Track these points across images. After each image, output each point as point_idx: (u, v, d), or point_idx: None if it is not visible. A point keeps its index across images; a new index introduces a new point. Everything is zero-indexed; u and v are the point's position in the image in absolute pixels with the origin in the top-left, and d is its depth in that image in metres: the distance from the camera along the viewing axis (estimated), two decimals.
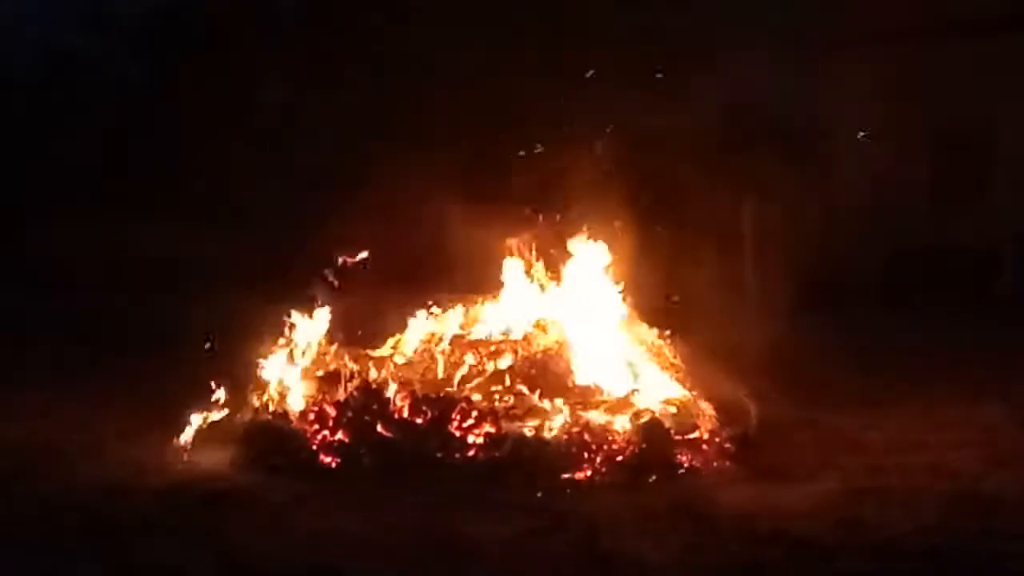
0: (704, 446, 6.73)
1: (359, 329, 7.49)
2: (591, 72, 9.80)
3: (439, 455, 6.48)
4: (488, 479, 6.25)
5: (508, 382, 6.87)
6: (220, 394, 7.09)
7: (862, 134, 11.67)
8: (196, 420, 6.97)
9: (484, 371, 6.97)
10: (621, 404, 6.75)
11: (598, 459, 6.43)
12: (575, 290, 7.41)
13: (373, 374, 7.03)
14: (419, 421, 6.64)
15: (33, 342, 9.97)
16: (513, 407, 6.69)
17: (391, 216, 10.80)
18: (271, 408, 7.04)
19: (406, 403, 6.69)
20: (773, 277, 11.70)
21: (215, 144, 12.93)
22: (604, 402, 6.76)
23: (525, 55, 12.74)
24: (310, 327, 7.33)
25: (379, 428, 6.63)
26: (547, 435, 6.52)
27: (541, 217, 7.90)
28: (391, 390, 6.78)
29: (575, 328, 7.24)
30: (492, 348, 7.10)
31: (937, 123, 14.70)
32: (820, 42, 14.22)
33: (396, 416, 6.67)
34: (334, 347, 7.30)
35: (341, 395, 6.84)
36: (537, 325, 7.28)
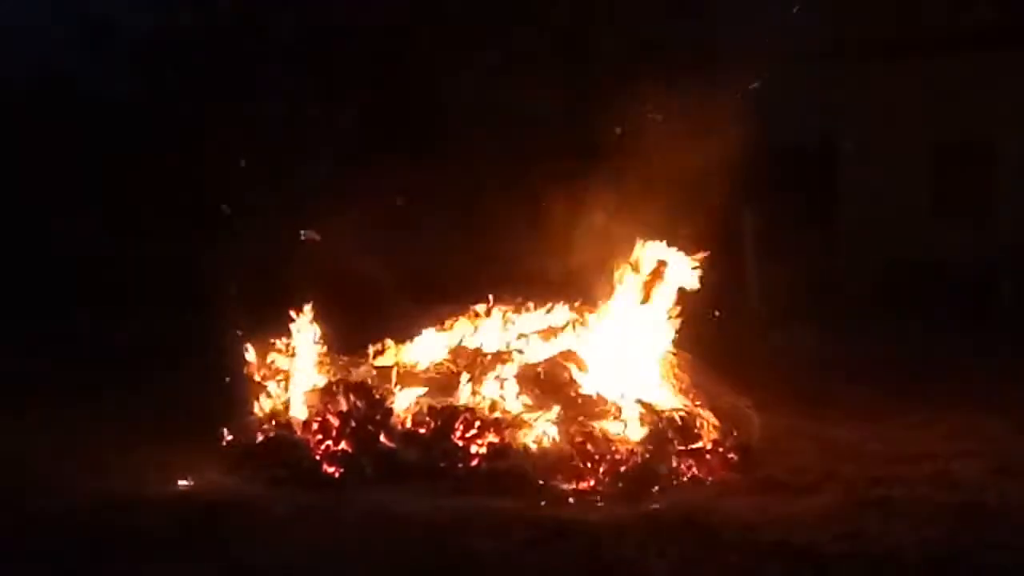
0: (707, 456, 6.74)
1: (363, 339, 7.49)
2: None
3: (442, 465, 6.49)
4: (491, 489, 6.25)
5: (512, 391, 6.87)
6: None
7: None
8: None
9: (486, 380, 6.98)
10: (624, 414, 6.75)
11: (601, 469, 6.43)
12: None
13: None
14: (422, 431, 6.65)
15: (33, 356, 9.96)
16: (516, 417, 6.69)
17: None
18: (274, 419, 7.05)
19: (409, 413, 6.71)
20: (774, 288, 11.71)
21: (214, 159, 12.94)
22: (608, 412, 6.76)
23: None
24: (312, 337, 7.34)
25: (382, 438, 6.64)
26: (550, 445, 6.53)
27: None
28: (394, 400, 6.79)
29: (584, 339, 7.24)
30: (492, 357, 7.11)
31: (937, 135, 14.74)
32: (820, 54, 14.24)
33: (399, 426, 6.68)
34: (338, 357, 7.30)
35: (344, 405, 6.85)
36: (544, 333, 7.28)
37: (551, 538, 5.52)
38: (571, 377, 6.90)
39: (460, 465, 6.47)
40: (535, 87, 12.26)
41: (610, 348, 7.20)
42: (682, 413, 6.86)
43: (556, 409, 6.71)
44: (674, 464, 6.57)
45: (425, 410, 6.72)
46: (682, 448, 6.69)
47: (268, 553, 5.41)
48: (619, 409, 6.77)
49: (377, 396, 6.82)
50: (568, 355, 7.00)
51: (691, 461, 6.65)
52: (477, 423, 6.58)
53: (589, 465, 6.43)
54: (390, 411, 6.72)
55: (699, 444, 6.78)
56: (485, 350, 7.20)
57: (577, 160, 10.29)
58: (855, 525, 5.65)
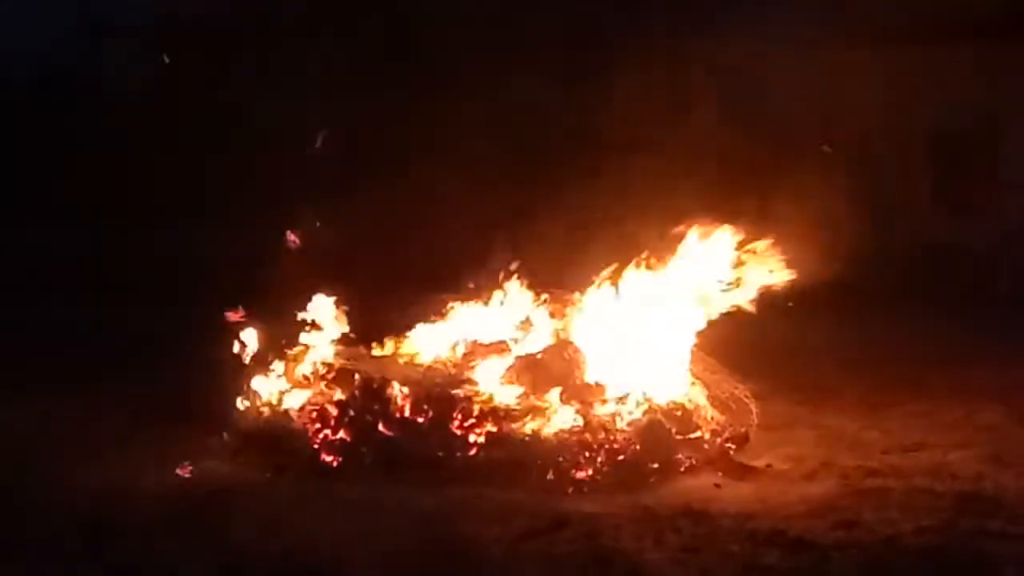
0: (705, 446, 6.75)
1: (365, 328, 7.50)
2: None
3: (440, 454, 6.50)
4: (489, 478, 6.27)
5: (510, 380, 6.88)
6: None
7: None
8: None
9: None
10: (623, 403, 6.76)
11: (599, 458, 6.45)
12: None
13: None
14: (420, 420, 6.66)
15: (31, 346, 9.97)
16: (514, 406, 6.70)
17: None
18: (272, 407, 7.06)
19: (407, 402, 6.71)
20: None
21: (216, 149, 12.93)
22: (606, 401, 6.76)
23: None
24: (313, 326, 7.35)
25: (381, 427, 6.65)
26: (548, 434, 6.54)
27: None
28: (393, 389, 6.79)
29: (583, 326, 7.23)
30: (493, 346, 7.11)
31: (938, 124, 14.71)
32: (821, 42, 14.20)
33: (398, 415, 6.69)
34: (337, 346, 7.31)
35: (343, 394, 6.85)
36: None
37: (550, 528, 5.53)
38: (571, 365, 6.90)
39: (458, 454, 6.48)
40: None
41: (615, 335, 7.19)
42: (681, 402, 6.87)
43: (555, 397, 6.71)
44: (672, 453, 6.58)
45: (423, 399, 6.72)
46: (680, 437, 6.70)
47: (267, 542, 5.43)
48: (619, 398, 6.77)
49: (376, 385, 6.82)
50: (566, 344, 7.00)
51: (689, 450, 6.66)
52: (476, 412, 6.58)
53: (588, 454, 6.44)
54: (389, 400, 6.73)
55: (697, 433, 6.79)
56: (484, 338, 7.21)
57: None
58: (853, 514, 5.67)
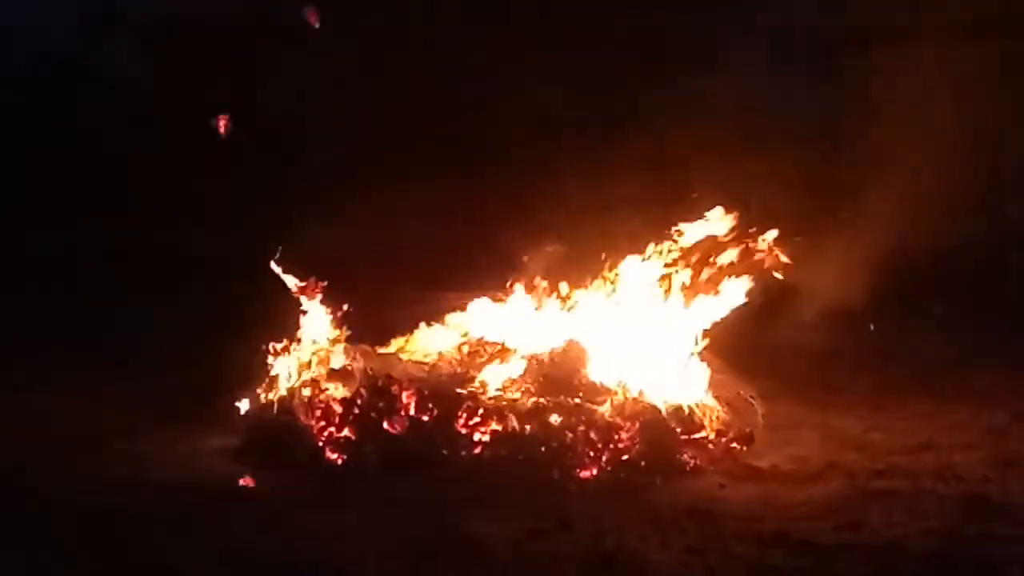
0: (710, 446, 6.74)
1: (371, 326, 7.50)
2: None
3: (445, 452, 6.50)
4: (494, 477, 6.26)
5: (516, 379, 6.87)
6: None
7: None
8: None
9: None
10: (628, 402, 6.74)
11: (604, 458, 6.44)
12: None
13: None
14: (425, 418, 6.66)
15: (33, 340, 9.98)
16: (520, 404, 6.69)
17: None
18: (276, 404, 7.06)
19: (412, 400, 6.71)
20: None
21: (218, 145, 12.91)
22: (610, 400, 6.75)
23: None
24: (318, 323, 7.35)
25: (385, 425, 6.65)
26: (553, 433, 6.53)
27: None
28: (399, 387, 6.79)
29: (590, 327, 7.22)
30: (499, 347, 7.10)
31: (945, 123, 14.62)
32: (828, 42, 14.15)
33: (403, 413, 6.68)
34: (342, 343, 7.30)
35: (348, 391, 6.85)
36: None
37: (554, 527, 5.53)
38: (577, 365, 6.89)
39: (463, 453, 6.48)
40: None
41: (624, 334, 7.18)
42: (687, 403, 6.85)
43: (561, 397, 6.70)
44: (677, 453, 6.57)
45: (428, 397, 6.71)
46: (685, 437, 6.69)
47: (269, 539, 5.43)
48: (624, 397, 6.76)
49: (381, 383, 6.81)
50: (573, 346, 6.99)
51: (694, 450, 6.65)
52: (481, 410, 6.57)
53: (592, 454, 6.43)
54: (394, 398, 6.72)
55: (702, 433, 6.78)
56: (491, 337, 7.20)
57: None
58: (858, 515, 5.65)
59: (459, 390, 6.75)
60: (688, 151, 9.80)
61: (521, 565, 5.15)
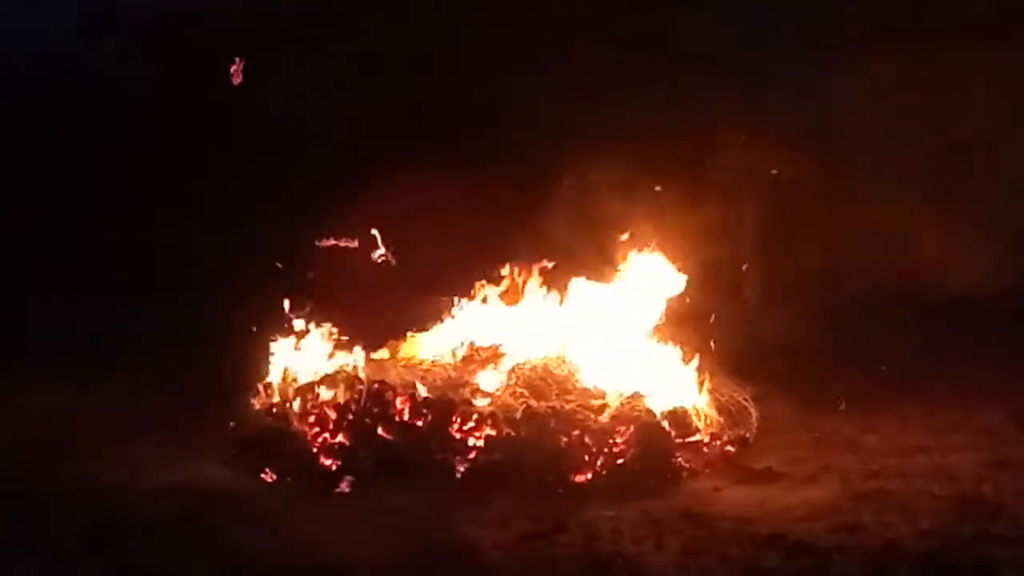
0: (704, 449, 6.74)
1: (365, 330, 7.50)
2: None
3: (439, 458, 6.50)
4: (488, 482, 6.26)
5: (508, 384, 6.87)
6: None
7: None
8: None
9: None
10: (622, 407, 6.74)
11: (598, 462, 6.44)
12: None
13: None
14: (420, 424, 6.66)
15: (33, 340, 9.97)
16: (513, 410, 6.69)
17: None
18: (271, 410, 7.05)
19: (407, 405, 6.71)
20: (773, 278, 11.67)
21: (217, 146, 12.89)
22: (605, 405, 6.75)
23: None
24: (312, 329, 7.34)
25: (380, 431, 6.64)
26: (547, 438, 6.53)
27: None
28: (393, 392, 6.79)
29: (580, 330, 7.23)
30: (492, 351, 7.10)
31: (938, 129, 14.64)
32: (821, 45, 14.17)
33: (397, 418, 6.68)
34: (336, 350, 7.30)
35: (342, 397, 6.85)
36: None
37: (549, 531, 5.53)
38: (569, 371, 6.90)
39: (457, 458, 6.47)
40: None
41: (613, 337, 7.19)
42: (680, 406, 6.86)
43: (553, 402, 6.70)
44: (672, 457, 6.57)
45: (423, 403, 6.71)
46: (680, 440, 6.69)
47: (266, 544, 5.42)
48: (618, 401, 6.76)
49: (374, 388, 6.81)
50: (564, 348, 6.99)
51: (689, 453, 6.65)
52: (475, 416, 6.57)
53: (587, 458, 6.43)
54: (388, 404, 6.72)
55: (697, 436, 6.78)
56: (481, 342, 7.20)
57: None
58: (853, 517, 5.66)
59: (452, 395, 6.74)
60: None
61: (516, 570, 5.16)
